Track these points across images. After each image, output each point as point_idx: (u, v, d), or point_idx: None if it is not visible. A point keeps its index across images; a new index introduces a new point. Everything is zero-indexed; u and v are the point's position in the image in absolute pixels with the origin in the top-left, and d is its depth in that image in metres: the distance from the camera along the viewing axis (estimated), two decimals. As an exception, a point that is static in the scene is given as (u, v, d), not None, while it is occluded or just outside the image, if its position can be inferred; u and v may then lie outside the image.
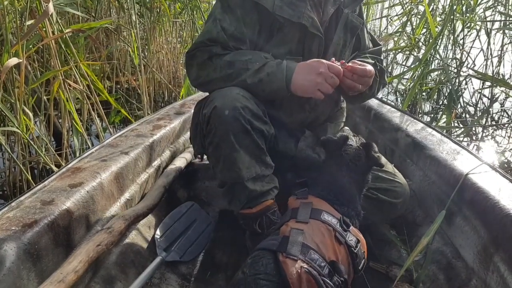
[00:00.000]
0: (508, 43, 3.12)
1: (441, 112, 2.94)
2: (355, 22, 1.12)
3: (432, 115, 2.97)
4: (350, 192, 0.92)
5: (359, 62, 1.02)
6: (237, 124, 0.94)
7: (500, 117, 3.06)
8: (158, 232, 1.14)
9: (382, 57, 1.24)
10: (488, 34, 2.89)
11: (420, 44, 3.26)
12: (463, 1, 2.75)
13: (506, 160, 2.29)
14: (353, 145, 0.95)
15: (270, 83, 0.99)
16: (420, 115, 2.94)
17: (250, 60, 0.99)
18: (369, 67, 1.02)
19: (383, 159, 1.19)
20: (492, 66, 3.15)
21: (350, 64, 1.00)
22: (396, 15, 3.61)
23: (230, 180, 1.00)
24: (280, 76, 0.98)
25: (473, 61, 3.25)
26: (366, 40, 1.21)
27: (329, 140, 0.95)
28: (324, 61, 0.97)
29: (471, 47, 3.23)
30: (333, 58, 1.00)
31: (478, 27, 3.12)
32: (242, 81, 0.99)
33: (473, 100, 3.14)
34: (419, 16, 3.27)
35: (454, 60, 3.08)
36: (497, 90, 3.03)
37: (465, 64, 3.18)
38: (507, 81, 3.10)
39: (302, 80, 0.97)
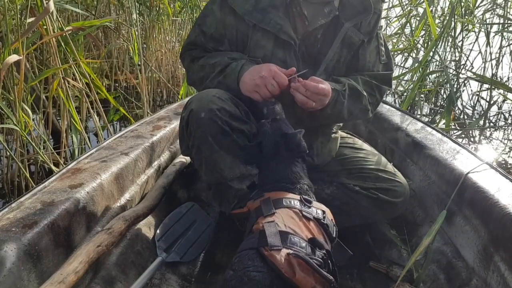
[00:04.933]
0: (507, 46, 3.14)
1: (439, 114, 2.95)
2: (354, 38, 1.05)
3: (430, 117, 2.98)
4: (292, 172, 0.94)
5: (318, 79, 0.98)
6: (215, 126, 0.96)
7: (498, 120, 3.08)
8: (158, 232, 1.13)
9: (386, 85, 1.13)
10: (487, 37, 2.91)
11: (419, 46, 3.28)
12: (462, 3, 2.76)
13: (503, 162, 2.30)
14: (266, 143, 0.95)
15: (226, 83, 1.03)
16: (418, 117, 2.94)
17: (216, 63, 1.05)
18: (323, 86, 0.97)
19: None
20: (491, 68, 3.17)
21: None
22: (396, 17, 3.62)
23: (214, 181, 1.01)
24: (233, 77, 1.02)
25: (471, 64, 3.27)
26: (367, 60, 1.10)
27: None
28: (273, 67, 0.97)
29: (470, 49, 3.25)
30: (294, 68, 0.99)
31: (476, 30, 3.14)
32: (207, 84, 1.06)
33: (471, 102, 3.15)
34: (418, 18, 3.28)
35: (453, 62, 3.09)
36: (494, 92, 3.05)
37: (463, 66, 3.20)
38: (506, 83, 3.12)
39: (246, 78, 0.99)
